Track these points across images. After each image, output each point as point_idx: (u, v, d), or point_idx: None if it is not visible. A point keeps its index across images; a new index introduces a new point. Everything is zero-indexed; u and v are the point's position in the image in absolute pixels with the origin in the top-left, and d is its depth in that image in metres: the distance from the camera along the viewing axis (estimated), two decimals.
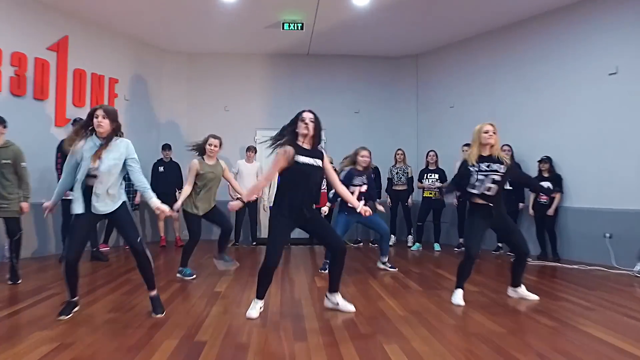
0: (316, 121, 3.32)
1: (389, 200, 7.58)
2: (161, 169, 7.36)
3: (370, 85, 8.71)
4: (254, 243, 7.50)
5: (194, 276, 4.73)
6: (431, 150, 7.27)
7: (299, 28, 7.00)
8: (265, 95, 8.61)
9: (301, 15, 6.86)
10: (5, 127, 4.39)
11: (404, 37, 7.75)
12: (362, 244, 7.72)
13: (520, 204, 6.44)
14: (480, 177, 3.69)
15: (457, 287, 3.77)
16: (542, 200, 6.15)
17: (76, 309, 3.33)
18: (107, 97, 7.23)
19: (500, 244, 6.74)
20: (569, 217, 6.10)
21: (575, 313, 3.44)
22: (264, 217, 8.05)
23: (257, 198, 6.92)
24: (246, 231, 7.65)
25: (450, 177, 6.88)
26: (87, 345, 2.69)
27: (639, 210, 5.42)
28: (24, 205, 4.44)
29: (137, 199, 6.93)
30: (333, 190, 4.68)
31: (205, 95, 8.53)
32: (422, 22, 7.09)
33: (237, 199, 3.52)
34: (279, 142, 3.34)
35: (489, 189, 3.67)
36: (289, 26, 6.96)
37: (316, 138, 3.35)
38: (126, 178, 3.40)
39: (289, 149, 3.21)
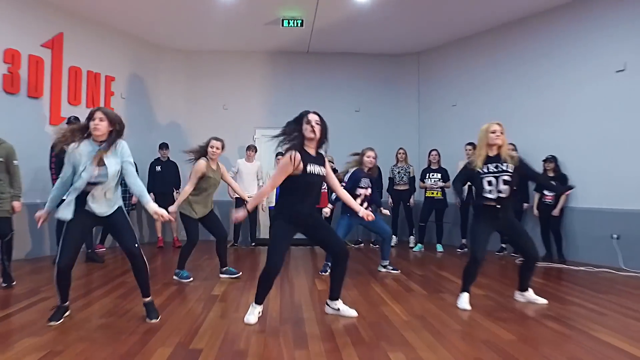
0: (322, 124, 3.17)
1: (390, 200, 7.45)
2: (158, 168, 7.23)
3: (371, 83, 8.58)
4: (253, 244, 7.38)
5: (191, 279, 4.60)
6: (433, 150, 7.14)
7: (299, 25, 6.88)
8: (265, 93, 8.49)
9: (301, 12, 6.74)
10: None
11: (406, 34, 7.63)
12: (362, 244, 7.60)
13: (525, 204, 6.32)
14: (490, 179, 3.56)
15: (463, 290, 3.65)
16: (547, 200, 6.03)
17: (67, 313, 3.21)
18: (104, 95, 7.09)
19: (504, 245, 6.62)
20: (574, 217, 5.97)
21: (586, 318, 3.32)
22: (263, 217, 7.94)
23: None
24: (245, 232, 7.53)
25: (452, 176, 6.78)
26: (77, 354, 2.56)
27: None
28: (16, 204, 4.30)
29: (134, 199, 6.79)
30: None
31: (203, 94, 8.40)
32: (424, 19, 6.97)
33: (237, 198, 3.39)
34: (286, 144, 3.17)
35: (502, 191, 3.55)
36: (289, 23, 6.84)
37: (321, 141, 3.21)
38: (123, 184, 3.28)
39: (298, 157, 3.04)
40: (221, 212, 6.97)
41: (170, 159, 7.34)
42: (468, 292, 3.64)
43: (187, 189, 4.49)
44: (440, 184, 6.92)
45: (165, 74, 8.25)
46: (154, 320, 3.17)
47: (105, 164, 3.02)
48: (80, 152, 3.02)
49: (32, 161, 5.64)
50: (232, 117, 8.31)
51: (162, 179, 7.17)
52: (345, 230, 4.93)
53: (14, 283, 4.26)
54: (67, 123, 5.44)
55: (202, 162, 4.50)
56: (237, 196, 5.31)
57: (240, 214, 3.11)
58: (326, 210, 4.99)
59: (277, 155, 6.86)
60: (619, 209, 5.55)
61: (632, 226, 5.38)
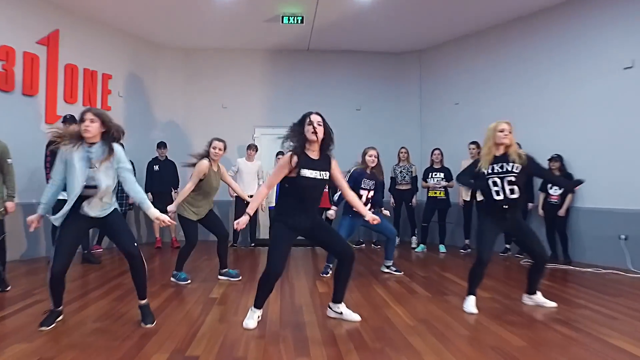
0: (325, 125, 3.06)
1: (392, 200, 7.34)
2: (156, 167, 7.11)
3: (372, 82, 8.45)
4: (253, 244, 7.27)
5: (189, 281, 4.49)
6: (436, 149, 7.02)
7: (299, 22, 6.77)
8: (264, 92, 8.36)
9: (301, 9, 6.62)
10: None
11: (407, 32, 7.51)
12: (364, 245, 7.49)
13: (530, 204, 6.20)
14: (495, 179, 3.46)
15: (469, 293, 3.53)
16: (552, 200, 5.91)
17: (60, 318, 3.10)
18: (101, 94, 6.98)
19: (508, 246, 6.50)
20: (580, 217, 5.86)
21: (598, 322, 3.20)
22: (263, 218, 7.82)
23: None
24: (245, 232, 7.41)
25: (455, 176, 6.67)
26: None
27: None
28: (9, 204, 4.17)
29: (131, 199, 6.67)
30: (339, 193, 4.45)
31: (202, 92, 8.28)
32: (425, 16, 6.84)
33: (236, 197, 3.28)
34: (289, 147, 3.06)
35: (511, 191, 3.44)
36: (289, 20, 6.73)
37: (325, 143, 3.09)
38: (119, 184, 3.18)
39: (294, 160, 2.95)
40: (221, 211, 6.87)
41: (169, 158, 7.23)
42: (474, 295, 3.53)
43: (187, 187, 4.37)
44: (444, 183, 6.81)
45: (163, 72, 8.13)
46: (149, 325, 3.05)
47: (98, 168, 2.91)
48: (73, 155, 2.91)
49: (28, 160, 5.53)
50: (231, 116, 8.20)
51: (160, 179, 7.05)
52: (348, 231, 4.81)
53: (9, 288, 4.10)
54: (62, 122, 5.32)
55: (205, 162, 4.38)
56: (237, 195, 5.20)
57: (242, 219, 2.98)
58: (331, 213, 4.88)
59: (277, 154, 6.76)
60: (627, 209, 5.43)
61: None
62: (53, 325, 3.00)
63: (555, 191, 5.91)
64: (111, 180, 3.00)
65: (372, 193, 4.87)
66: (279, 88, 8.33)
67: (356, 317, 3.23)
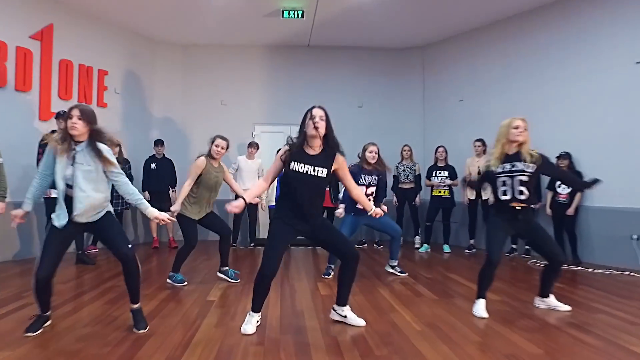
0: (327, 119, 2.90)
1: (395, 199, 7.17)
2: (153, 165, 6.94)
3: (374, 78, 8.29)
4: (252, 244, 7.11)
5: (186, 283, 4.32)
6: (440, 146, 6.85)
7: (300, 16, 6.60)
8: (264, 88, 8.19)
9: (302, 3, 6.45)
10: None
11: (410, 27, 7.34)
12: (366, 245, 7.32)
13: (537, 203, 6.02)
14: (505, 179, 3.30)
15: (479, 296, 3.36)
16: (560, 199, 5.74)
17: (48, 323, 2.94)
18: (96, 90, 6.81)
19: (514, 246, 6.34)
20: (590, 217, 5.69)
21: (617, 328, 3.02)
22: (263, 217, 7.65)
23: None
24: (244, 232, 7.26)
25: (460, 174, 6.51)
26: None
27: None
28: (0, 205, 4.02)
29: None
30: (343, 189, 4.30)
31: (200, 89, 8.11)
32: (428, 12, 6.68)
33: (236, 196, 3.13)
34: (290, 143, 2.95)
35: (520, 192, 3.28)
36: (289, 14, 6.56)
37: (328, 139, 2.93)
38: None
39: (286, 154, 2.88)
40: (221, 211, 6.68)
41: (166, 156, 7.07)
42: (484, 298, 3.36)
43: (185, 185, 4.23)
44: (448, 181, 6.64)
45: (161, 69, 7.97)
46: (142, 331, 2.89)
47: (79, 168, 2.76)
48: (58, 150, 2.78)
49: (20, 158, 5.36)
50: (230, 112, 8.03)
51: (158, 177, 6.89)
52: (350, 229, 4.66)
53: None
54: (55, 117, 5.16)
55: (202, 158, 4.26)
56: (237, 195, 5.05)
57: (236, 202, 2.85)
58: (339, 211, 4.71)
59: (278, 151, 6.59)
60: (639, 208, 5.26)
61: None
62: (40, 331, 2.84)
63: (563, 189, 5.74)
64: (93, 184, 2.81)
65: (372, 189, 4.71)
66: (279, 85, 8.16)
67: (361, 322, 3.07)
